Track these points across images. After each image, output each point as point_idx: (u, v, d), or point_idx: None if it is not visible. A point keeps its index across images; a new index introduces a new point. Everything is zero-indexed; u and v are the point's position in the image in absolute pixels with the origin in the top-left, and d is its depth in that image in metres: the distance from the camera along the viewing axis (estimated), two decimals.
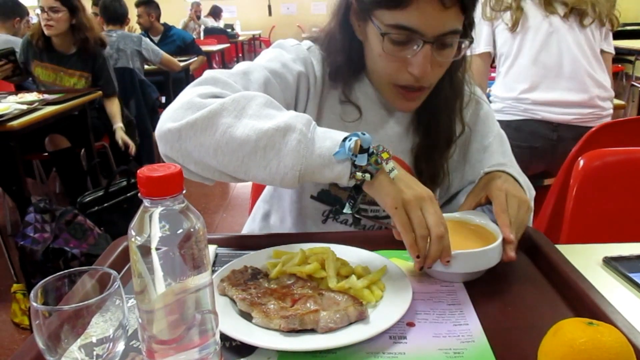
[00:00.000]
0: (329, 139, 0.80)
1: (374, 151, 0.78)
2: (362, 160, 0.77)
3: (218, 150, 0.81)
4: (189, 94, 0.87)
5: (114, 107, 3.38)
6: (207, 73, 0.93)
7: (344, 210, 0.83)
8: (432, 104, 1.05)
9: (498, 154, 1.12)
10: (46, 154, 3.20)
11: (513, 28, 1.92)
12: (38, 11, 3.12)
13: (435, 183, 1.09)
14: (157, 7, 5.18)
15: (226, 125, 0.81)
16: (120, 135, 3.33)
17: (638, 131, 1.74)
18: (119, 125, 3.36)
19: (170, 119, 0.84)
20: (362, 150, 0.78)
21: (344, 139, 0.79)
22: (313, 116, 0.99)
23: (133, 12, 4.47)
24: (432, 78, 0.98)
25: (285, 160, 0.78)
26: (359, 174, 0.78)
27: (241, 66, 0.99)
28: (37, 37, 3.17)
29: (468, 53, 1.02)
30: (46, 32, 3.09)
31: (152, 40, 4.94)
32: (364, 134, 0.78)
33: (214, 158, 0.82)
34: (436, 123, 1.07)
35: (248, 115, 0.82)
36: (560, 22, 1.88)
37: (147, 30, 5.18)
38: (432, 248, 0.77)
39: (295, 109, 1.03)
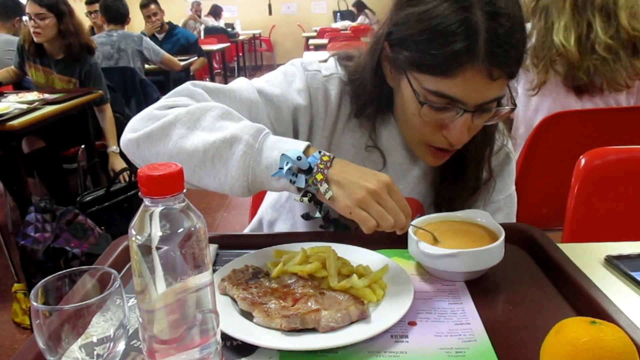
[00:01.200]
0: (277, 149, 0.79)
1: (311, 171, 0.78)
2: (300, 183, 0.78)
3: (172, 159, 0.82)
4: (154, 105, 0.90)
5: (107, 123, 3.27)
6: (186, 85, 0.94)
7: (315, 216, 0.84)
8: (462, 152, 1.00)
9: (502, 214, 1.10)
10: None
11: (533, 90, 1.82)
12: (26, 18, 3.11)
13: None
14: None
15: (178, 136, 0.83)
16: (112, 162, 3.20)
17: (587, 121, 1.73)
18: (111, 149, 3.23)
19: (131, 130, 0.88)
20: (302, 170, 0.78)
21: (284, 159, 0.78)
22: (322, 147, 0.98)
23: (134, 13, 4.46)
24: (466, 139, 0.92)
25: (232, 170, 0.80)
26: (303, 197, 0.80)
27: (234, 83, 0.98)
28: (28, 42, 3.16)
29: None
30: (35, 39, 3.08)
31: (156, 38, 4.95)
32: (299, 159, 0.77)
33: None
34: (463, 171, 1.03)
35: (201, 127, 0.83)
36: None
37: (159, 29, 5.18)
38: (398, 233, 0.80)
39: None
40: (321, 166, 0.78)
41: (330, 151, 0.96)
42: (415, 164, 1.07)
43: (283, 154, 0.78)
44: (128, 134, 0.88)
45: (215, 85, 0.95)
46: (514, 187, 1.13)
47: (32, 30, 3.04)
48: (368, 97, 0.99)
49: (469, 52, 0.81)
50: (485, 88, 0.84)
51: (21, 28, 3.81)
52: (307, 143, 0.81)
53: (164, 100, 0.91)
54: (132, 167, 2.85)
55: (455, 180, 1.04)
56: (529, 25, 1.84)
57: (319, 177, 0.78)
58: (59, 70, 3.22)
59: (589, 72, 1.70)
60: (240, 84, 0.97)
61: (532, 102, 1.89)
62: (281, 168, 0.78)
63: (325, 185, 0.78)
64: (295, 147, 0.79)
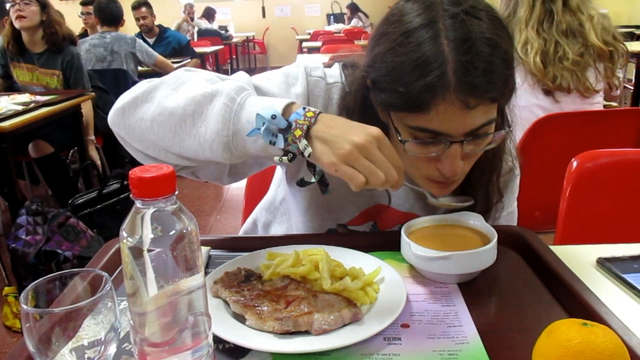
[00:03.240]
0: (259, 105, 0.74)
1: (289, 129, 0.72)
2: (280, 143, 0.72)
3: (154, 122, 0.80)
4: (140, 82, 0.88)
5: (87, 113, 3.31)
6: (180, 70, 0.89)
7: (310, 180, 0.78)
8: (469, 177, 0.94)
9: None
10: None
11: None
12: (8, 5, 3.13)
13: None
14: (153, 9, 5.19)
15: (162, 96, 0.80)
16: (90, 149, 3.27)
17: (580, 123, 1.76)
18: (90, 137, 3.31)
19: (118, 101, 0.85)
20: (281, 130, 0.72)
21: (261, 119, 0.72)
22: None
23: (128, 15, 4.45)
24: (466, 169, 0.87)
25: (211, 125, 0.75)
26: (283, 157, 0.74)
27: (234, 75, 0.93)
28: (8, 41, 3.18)
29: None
30: (17, 24, 3.09)
31: (147, 42, 4.93)
32: (274, 117, 0.71)
33: (151, 131, 0.81)
34: (473, 195, 0.96)
35: (184, 87, 0.80)
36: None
37: (142, 32, 5.17)
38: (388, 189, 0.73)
39: None
40: (301, 122, 0.73)
41: None
42: (422, 195, 1.00)
43: (258, 114, 0.72)
44: (115, 105, 0.85)
45: (212, 74, 0.90)
46: (515, 204, 1.11)
47: (14, 15, 3.06)
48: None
49: (437, 85, 0.75)
50: (465, 118, 0.78)
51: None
52: (289, 100, 0.75)
53: (152, 80, 0.88)
54: (124, 171, 2.84)
55: (466, 207, 0.97)
56: None
57: (297, 133, 0.72)
58: (42, 64, 3.23)
59: (555, 78, 1.76)
60: (238, 76, 0.93)
61: None
62: (258, 129, 0.73)
63: (304, 142, 0.72)
64: (272, 104, 0.74)
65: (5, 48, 3.22)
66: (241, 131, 0.75)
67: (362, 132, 0.72)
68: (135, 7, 5.03)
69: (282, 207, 1.15)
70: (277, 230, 1.16)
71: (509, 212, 1.10)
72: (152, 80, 0.86)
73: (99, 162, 3.32)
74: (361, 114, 0.90)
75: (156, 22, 5.25)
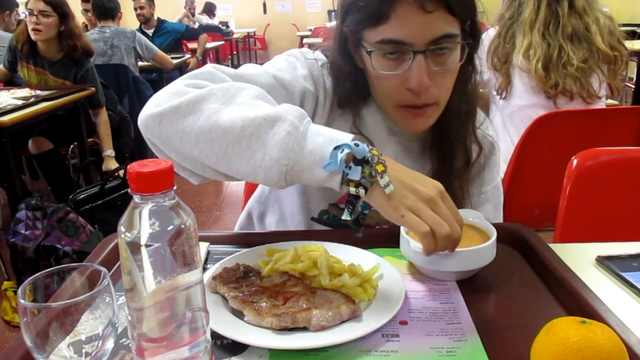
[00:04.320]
0: (323, 136, 0.73)
1: (369, 161, 0.71)
2: (355, 175, 0.71)
3: (200, 138, 0.75)
4: (179, 82, 0.84)
5: (102, 126, 3.24)
6: (207, 67, 0.88)
7: (343, 217, 0.76)
8: (444, 126, 1.00)
9: (490, 205, 1.10)
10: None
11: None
12: (26, 12, 3.05)
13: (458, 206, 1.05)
14: (154, 0, 5.20)
15: (212, 111, 0.76)
16: (107, 165, 3.20)
17: (581, 121, 1.76)
18: (106, 153, 3.24)
19: (153, 105, 0.80)
20: (356, 161, 0.71)
21: (336, 148, 0.71)
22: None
23: (123, 7, 4.44)
24: (435, 92, 0.91)
25: (272, 152, 0.72)
26: (352, 188, 0.72)
27: (247, 68, 0.94)
28: (22, 42, 3.09)
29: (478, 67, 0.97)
30: (33, 36, 3.01)
31: (145, 33, 4.94)
32: (357, 145, 0.71)
33: (195, 146, 0.77)
34: (450, 145, 1.01)
35: (237, 103, 0.77)
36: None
37: (143, 23, 5.18)
38: (447, 246, 0.74)
39: None
40: (382, 158, 0.72)
41: None
42: (403, 147, 1.05)
43: (334, 143, 0.71)
44: (150, 108, 0.79)
45: (235, 71, 0.91)
46: (499, 178, 1.13)
47: (31, 27, 2.98)
48: (345, 81, 0.99)
49: None
50: (424, 23, 0.84)
51: (12, 23, 3.77)
52: (351, 135, 0.74)
53: (189, 80, 0.84)
54: (125, 166, 2.84)
55: (445, 158, 1.03)
56: (492, 31, 1.88)
57: (380, 168, 0.71)
58: (54, 72, 3.18)
59: (557, 85, 1.75)
60: (255, 70, 0.94)
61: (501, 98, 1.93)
62: (331, 161, 0.71)
63: (386, 179, 0.71)
64: (336, 137, 0.72)
65: (15, 47, 3.17)
66: (301, 162, 0.72)
67: (429, 184, 0.73)
68: None
69: (272, 196, 1.16)
70: (271, 219, 1.17)
71: (494, 187, 1.12)
72: (195, 86, 0.81)
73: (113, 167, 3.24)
74: (347, 72, 0.97)
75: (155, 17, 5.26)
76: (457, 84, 0.96)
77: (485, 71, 1.92)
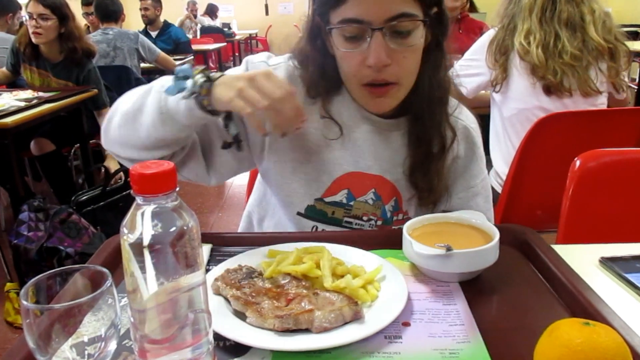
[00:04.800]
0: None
1: (192, 73, 0.87)
2: (181, 85, 0.87)
3: (120, 128, 0.98)
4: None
5: None
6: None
7: (228, 140, 0.95)
8: (417, 111, 1.03)
9: (481, 198, 1.10)
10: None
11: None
12: (26, 16, 3.06)
13: (435, 193, 1.06)
14: (161, 2, 5.22)
15: (121, 107, 0.99)
16: (109, 164, 3.16)
17: (583, 123, 1.76)
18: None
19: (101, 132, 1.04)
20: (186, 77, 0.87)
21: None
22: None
23: (127, 9, 4.45)
24: (396, 71, 0.95)
25: (150, 108, 0.92)
26: (194, 97, 0.86)
27: None
28: (24, 44, 3.10)
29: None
30: (34, 39, 3.01)
31: (149, 35, 4.94)
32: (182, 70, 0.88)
33: (120, 135, 0.99)
34: (425, 130, 1.03)
35: (136, 94, 0.97)
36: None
37: (147, 24, 5.19)
38: (279, 113, 0.85)
39: None
40: (201, 68, 0.88)
41: (294, 138, 1.04)
42: (376, 134, 1.06)
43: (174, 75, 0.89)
44: (101, 135, 1.03)
45: None
46: (486, 170, 1.14)
47: (31, 30, 2.98)
48: (313, 67, 1.03)
49: None
50: (381, 1, 0.89)
51: (14, 25, 3.78)
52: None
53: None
54: (126, 169, 2.83)
55: (419, 143, 1.04)
56: (492, 31, 1.89)
57: (196, 72, 0.87)
58: (56, 73, 3.18)
59: (556, 73, 1.76)
60: None
61: (499, 95, 1.93)
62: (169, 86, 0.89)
63: (199, 76, 0.86)
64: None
65: (18, 49, 3.17)
66: (167, 103, 0.90)
67: (254, 71, 0.86)
68: None
69: (272, 200, 1.17)
70: (269, 224, 1.18)
71: (482, 179, 1.12)
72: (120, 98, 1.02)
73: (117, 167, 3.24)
74: (312, 58, 1.02)
75: (161, 18, 5.27)
76: (427, 70, 1.00)
77: (484, 72, 1.92)
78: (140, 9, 5.15)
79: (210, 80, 0.86)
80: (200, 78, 0.86)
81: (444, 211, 1.08)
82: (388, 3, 0.90)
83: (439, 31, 0.99)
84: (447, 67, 1.04)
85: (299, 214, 1.09)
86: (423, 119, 1.03)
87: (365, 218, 1.08)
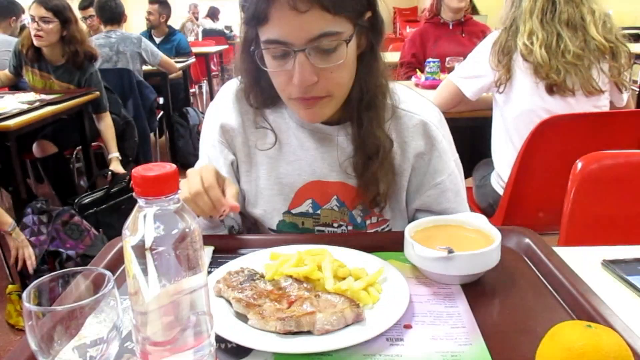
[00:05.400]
0: None
1: None
2: None
3: None
4: None
5: (108, 131, 3.25)
6: None
7: None
8: (349, 114, 1.02)
9: (451, 193, 1.08)
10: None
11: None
12: (28, 19, 3.07)
13: (384, 197, 1.05)
14: (169, 9, 5.21)
15: None
16: (115, 167, 3.19)
17: (585, 125, 1.77)
18: (114, 155, 3.23)
19: None
20: None
21: None
22: (244, 154, 1.10)
23: (129, 10, 4.46)
24: (326, 86, 0.93)
25: None
26: None
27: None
28: (27, 46, 3.11)
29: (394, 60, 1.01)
30: (35, 42, 3.02)
31: (153, 40, 4.95)
32: None
33: None
34: (358, 133, 1.02)
35: None
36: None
37: (150, 29, 5.19)
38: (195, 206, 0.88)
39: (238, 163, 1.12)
40: None
41: (247, 154, 1.10)
42: (320, 142, 1.07)
43: None
44: None
45: None
46: (453, 165, 1.09)
47: (33, 33, 2.99)
48: (247, 79, 1.05)
49: None
50: (300, 23, 0.86)
51: (17, 28, 3.79)
52: None
53: None
54: (128, 170, 2.84)
55: (358, 145, 1.03)
56: (496, 32, 1.90)
57: None
58: (58, 76, 3.19)
59: (559, 72, 1.77)
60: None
61: (502, 97, 1.93)
62: None
63: None
64: None
65: (21, 51, 3.18)
66: None
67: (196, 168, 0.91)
68: (149, 2, 5.10)
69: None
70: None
71: (449, 174, 1.08)
72: None
73: (122, 171, 3.21)
74: (245, 69, 1.03)
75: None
76: (360, 75, 0.99)
77: (485, 74, 1.92)
78: (146, 13, 5.17)
79: None
80: None
81: (417, 210, 1.10)
82: (307, 24, 0.87)
83: (373, 36, 0.97)
84: (382, 72, 1.02)
85: (273, 230, 1.11)
86: (356, 122, 1.03)
87: (335, 225, 1.10)
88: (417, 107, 1.07)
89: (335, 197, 1.08)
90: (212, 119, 1.12)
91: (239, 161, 1.11)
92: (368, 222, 1.10)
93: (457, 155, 1.12)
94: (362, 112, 1.01)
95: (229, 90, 1.11)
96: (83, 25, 3.79)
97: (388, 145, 1.03)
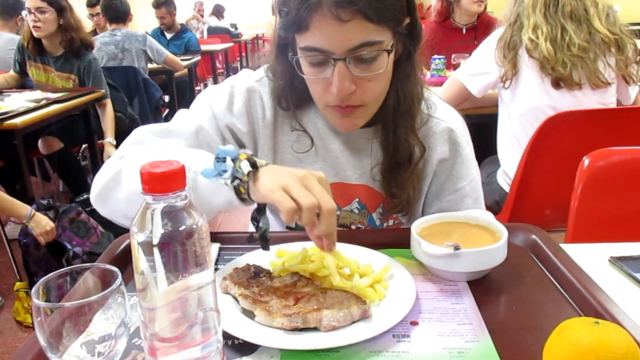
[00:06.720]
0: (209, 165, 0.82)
1: (237, 158, 0.79)
2: (220, 167, 0.78)
3: (129, 202, 0.89)
4: (108, 159, 0.97)
5: (107, 116, 3.29)
6: (134, 132, 1.00)
7: (255, 235, 0.82)
8: (383, 122, 1.02)
9: (470, 199, 1.08)
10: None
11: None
12: (25, 12, 3.10)
13: (400, 202, 1.05)
14: (173, 4, 5.27)
15: (127, 179, 0.89)
16: (108, 152, 3.22)
17: (592, 121, 1.76)
18: (108, 140, 3.26)
19: (93, 188, 0.96)
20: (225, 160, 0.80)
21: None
22: (268, 148, 1.06)
23: (135, 10, 4.47)
24: (361, 96, 0.93)
25: None
26: (236, 184, 0.78)
27: (175, 122, 1.03)
28: (27, 40, 3.15)
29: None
30: (34, 33, 3.06)
31: (164, 35, 4.99)
32: (224, 151, 0.79)
33: (130, 209, 0.90)
34: (391, 140, 1.02)
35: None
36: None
37: (165, 30, 5.25)
38: (322, 223, 0.74)
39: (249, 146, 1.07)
40: (249, 153, 0.79)
41: (272, 155, 1.07)
42: (346, 145, 1.06)
43: (215, 158, 0.79)
44: (92, 194, 0.97)
45: (162, 127, 1.01)
46: (475, 172, 1.10)
47: (31, 24, 3.04)
48: (282, 80, 1.02)
49: (312, 1, 0.83)
50: (342, 32, 0.85)
51: (23, 27, 3.81)
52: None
53: (117, 151, 0.98)
54: None
55: (389, 152, 1.03)
56: (502, 28, 1.89)
57: (243, 156, 0.78)
58: (58, 67, 3.23)
59: (565, 65, 1.76)
60: (181, 121, 1.03)
61: (508, 94, 1.91)
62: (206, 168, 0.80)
63: (246, 164, 0.77)
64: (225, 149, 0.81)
65: (23, 45, 3.22)
66: (199, 188, 0.83)
67: (304, 170, 0.78)
68: (155, 6, 5.18)
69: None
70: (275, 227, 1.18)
71: (470, 181, 1.08)
72: (116, 161, 0.94)
73: None
74: (280, 73, 1.01)
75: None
76: (396, 82, 0.98)
77: (491, 71, 1.92)
78: (157, 18, 5.22)
79: (256, 167, 0.79)
80: (246, 165, 0.78)
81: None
82: (349, 33, 0.85)
83: (410, 43, 0.96)
84: (419, 79, 1.02)
85: (288, 227, 1.10)
86: (388, 130, 1.02)
87: (353, 227, 1.10)
88: (444, 114, 1.08)
89: (357, 199, 1.08)
90: (240, 100, 1.05)
91: (260, 153, 1.08)
92: (385, 224, 1.10)
93: (476, 162, 1.12)
94: (397, 119, 1.01)
95: (262, 80, 1.07)
96: (89, 22, 3.81)
97: (419, 153, 1.03)
